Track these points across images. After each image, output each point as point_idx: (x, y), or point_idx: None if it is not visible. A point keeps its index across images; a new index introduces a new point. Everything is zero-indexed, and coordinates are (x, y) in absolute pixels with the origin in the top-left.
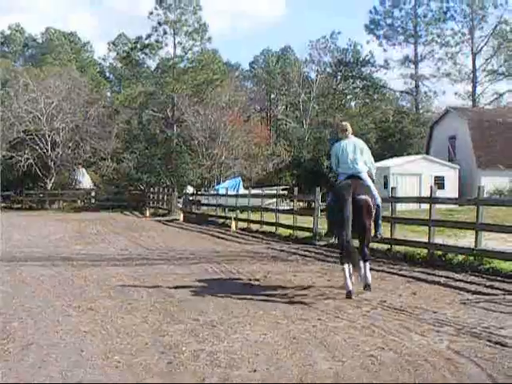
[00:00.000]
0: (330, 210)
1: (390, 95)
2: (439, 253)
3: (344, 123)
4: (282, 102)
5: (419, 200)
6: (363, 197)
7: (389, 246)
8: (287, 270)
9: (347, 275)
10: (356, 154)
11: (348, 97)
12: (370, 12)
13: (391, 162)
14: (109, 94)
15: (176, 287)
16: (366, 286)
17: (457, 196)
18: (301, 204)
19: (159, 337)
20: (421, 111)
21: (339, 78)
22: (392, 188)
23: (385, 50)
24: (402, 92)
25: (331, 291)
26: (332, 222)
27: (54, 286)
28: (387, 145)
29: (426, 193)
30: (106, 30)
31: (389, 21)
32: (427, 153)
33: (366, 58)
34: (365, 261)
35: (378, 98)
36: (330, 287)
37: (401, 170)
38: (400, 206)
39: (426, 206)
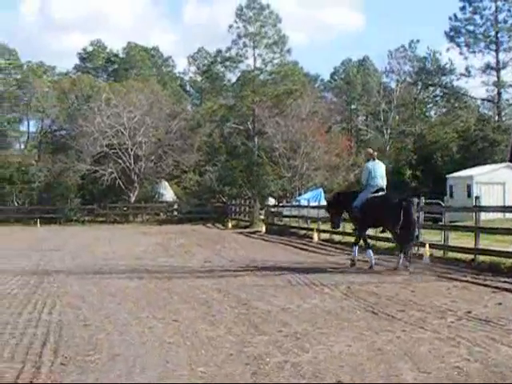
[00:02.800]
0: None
1: (471, 103)
2: None
3: (371, 150)
4: (362, 112)
5: (504, 209)
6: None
7: (473, 256)
8: (370, 281)
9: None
10: (382, 172)
11: (428, 106)
12: (450, 19)
13: (474, 171)
14: (190, 107)
15: (259, 298)
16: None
17: None
18: None
19: (243, 348)
20: (503, 118)
21: (419, 86)
22: (476, 197)
23: (465, 58)
24: (483, 100)
25: (415, 302)
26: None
27: (139, 298)
28: (469, 153)
29: (510, 202)
30: (187, 45)
31: (469, 28)
32: (511, 161)
33: (447, 66)
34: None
35: (458, 107)
36: (413, 298)
37: (484, 178)
38: (484, 216)
39: (510, 216)
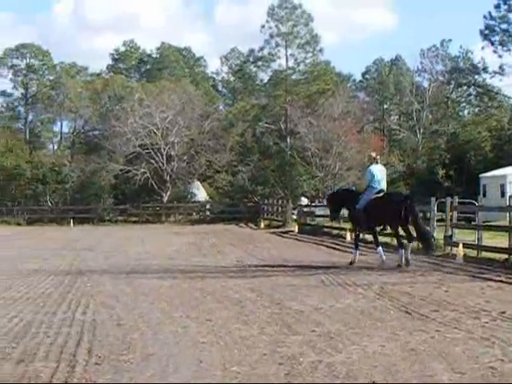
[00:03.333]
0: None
1: (504, 102)
2: None
3: (374, 154)
4: (394, 112)
5: None
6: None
7: (507, 256)
8: (403, 280)
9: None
10: (383, 175)
11: (461, 105)
12: (485, 17)
13: (508, 170)
14: (222, 107)
15: (292, 298)
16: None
17: None
18: None
19: (277, 348)
20: None
21: (452, 85)
22: (510, 196)
23: (499, 56)
24: None
25: (449, 302)
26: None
27: (172, 298)
28: (503, 152)
29: None
30: (219, 45)
31: (504, 26)
32: None
33: (479, 65)
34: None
35: (492, 105)
36: (447, 298)
37: None
38: None
39: None
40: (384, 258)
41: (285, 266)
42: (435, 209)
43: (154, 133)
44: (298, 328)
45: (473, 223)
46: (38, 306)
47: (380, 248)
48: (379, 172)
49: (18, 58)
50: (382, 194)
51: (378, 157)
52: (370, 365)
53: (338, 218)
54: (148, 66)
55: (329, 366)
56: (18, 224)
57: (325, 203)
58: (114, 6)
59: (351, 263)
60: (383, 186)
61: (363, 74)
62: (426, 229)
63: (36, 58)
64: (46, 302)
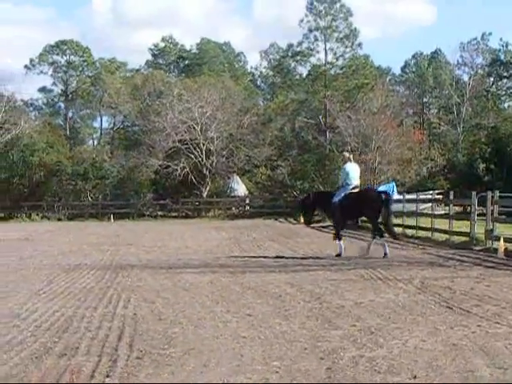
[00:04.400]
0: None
1: None
2: None
3: (347, 154)
4: (434, 106)
5: None
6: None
7: None
8: (444, 275)
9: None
10: (357, 173)
11: (502, 98)
12: None
13: None
14: (261, 102)
15: (332, 293)
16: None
17: None
18: (456, 208)
19: (317, 343)
20: None
21: (492, 79)
22: None
23: None
24: None
25: (490, 297)
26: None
27: (213, 293)
28: None
29: None
30: (257, 40)
31: None
32: None
33: None
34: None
35: None
36: (489, 293)
37: None
38: None
39: None
40: (342, 250)
41: (324, 261)
42: (476, 203)
43: (194, 128)
44: (339, 323)
45: None
46: (79, 300)
47: (341, 241)
48: (353, 170)
49: (58, 54)
50: (357, 190)
51: (352, 156)
52: (411, 359)
53: (311, 222)
54: (187, 62)
55: (370, 360)
56: (59, 219)
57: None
58: (153, 1)
59: (338, 255)
60: (357, 182)
61: (402, 68)
62: (393, 227)
63: (76, 55)
64: (88, 297)
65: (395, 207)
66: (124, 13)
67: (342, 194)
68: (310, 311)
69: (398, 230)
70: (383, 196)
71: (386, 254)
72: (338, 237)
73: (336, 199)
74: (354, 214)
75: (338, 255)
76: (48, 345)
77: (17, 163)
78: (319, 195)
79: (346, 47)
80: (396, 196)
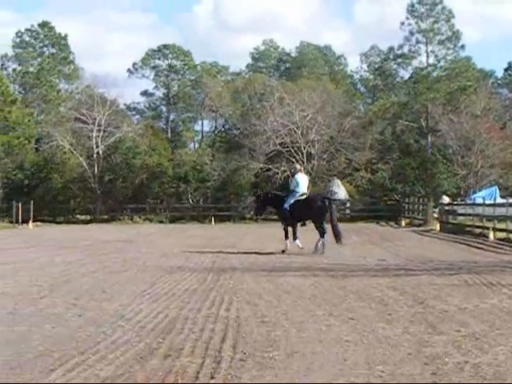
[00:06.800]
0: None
1: None
2: None
3: (299, 166)
4: None
5: None
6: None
7: None
8: None
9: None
10: (306, 182)
11: None
12: None
13: None
14: (361, 105)
15: (435, 297)
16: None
17: None
18: None
19: (421, 347)
20: None
21: None
22: None
23: None
24: None
25: None
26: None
27: (315, 296)
28: None
29: None
30: (358, 43)
31: None
32: None
33: None
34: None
35: None
36: None
37: None
38: None
39: None
40: (287, 247)
41: (427, 265)
42: None
43: (294, 131)
44: (443, 328)
45: None
46: (182, 302)
47: (297, 241)
48: (303, 180)
49: (159, 58)
50: (304, 197)
51: (302, 168)
52: None
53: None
54: (287, 65)
55: (475, 366)
56: (161, 222)
57: (467, 202)
58: (253, 5)
59: (283, 251)
60: (305, 190)
61: (505, 70)
62: (338, 230)
63: (177, 59)
64: (191, 299)
65: (498, 211)
66: (225, 18)
67: (292, 201)
68: (413, 316)
69: (501, 234)
70: (326, 202)
71: (321, 250)
72: (286, 236)
73: (286, 205)
74: (302, 217)
75: (283, 251)
76: (153, 345)
77: (119, 166)
78: (274, 197)
79: (448, 49)
80: (499, 200)
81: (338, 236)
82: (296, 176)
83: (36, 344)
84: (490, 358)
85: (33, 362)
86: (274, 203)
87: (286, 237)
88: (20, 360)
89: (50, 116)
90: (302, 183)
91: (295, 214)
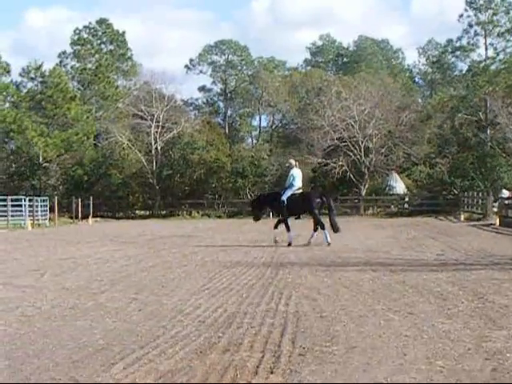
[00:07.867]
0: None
1: None
2: None
3: (293, 161)
4: None
5: None
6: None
7: None
8: None
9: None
10: (301, 177)
11: None
12: None
13: None
14: (419, 99)
15: (495, 292)
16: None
17: None
18: None
19: (482, 342)
20: None
21: None
22: None
23: None
24: None
25: None
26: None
27: (374, 291)
28: None
29: None
30: (416, 36)
31: None
32: None
33: None
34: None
35: None
36: None
37: None
38: None
39: None
40: (292, 239)
41: (486, 260)
42: None
43: (352, 126)
44: (504, 323)
45: None
46: (241, 296)
47: (291, 233)
48: (298, 175)
49: (217, 54)
50: (300, 191)
51: (297, 163)
52: None
53: (259, 218)
54: (345, 59)
55: None
56: (219, 217)
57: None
58: (310, 0)
59: (289, 245)
60: (300, 185)
61: None
62: (335, 222)
63: (234, 54)
64: (249, 293)
65: None
66: (282, 13)
67: (289, 193)
68: (472, 310)
69: None
70: (323, 197)
71: (328, 243)
72: (287, 229)
73: (284, 198)
74: (298, 210)
75: (289, 245)
76: (212, 340)
77: (178, 161)
78: (270, 195)
79: (508, 41)
80: None
81: (334, 226)
82: (291, 171)
83: (97, 338)
84: None
85: (94, 356)
86: (268, 201)
87: (288, 230)
88: (81, 354)
89: (109, 112)
90: (297, 178)
91: (291, 207)
